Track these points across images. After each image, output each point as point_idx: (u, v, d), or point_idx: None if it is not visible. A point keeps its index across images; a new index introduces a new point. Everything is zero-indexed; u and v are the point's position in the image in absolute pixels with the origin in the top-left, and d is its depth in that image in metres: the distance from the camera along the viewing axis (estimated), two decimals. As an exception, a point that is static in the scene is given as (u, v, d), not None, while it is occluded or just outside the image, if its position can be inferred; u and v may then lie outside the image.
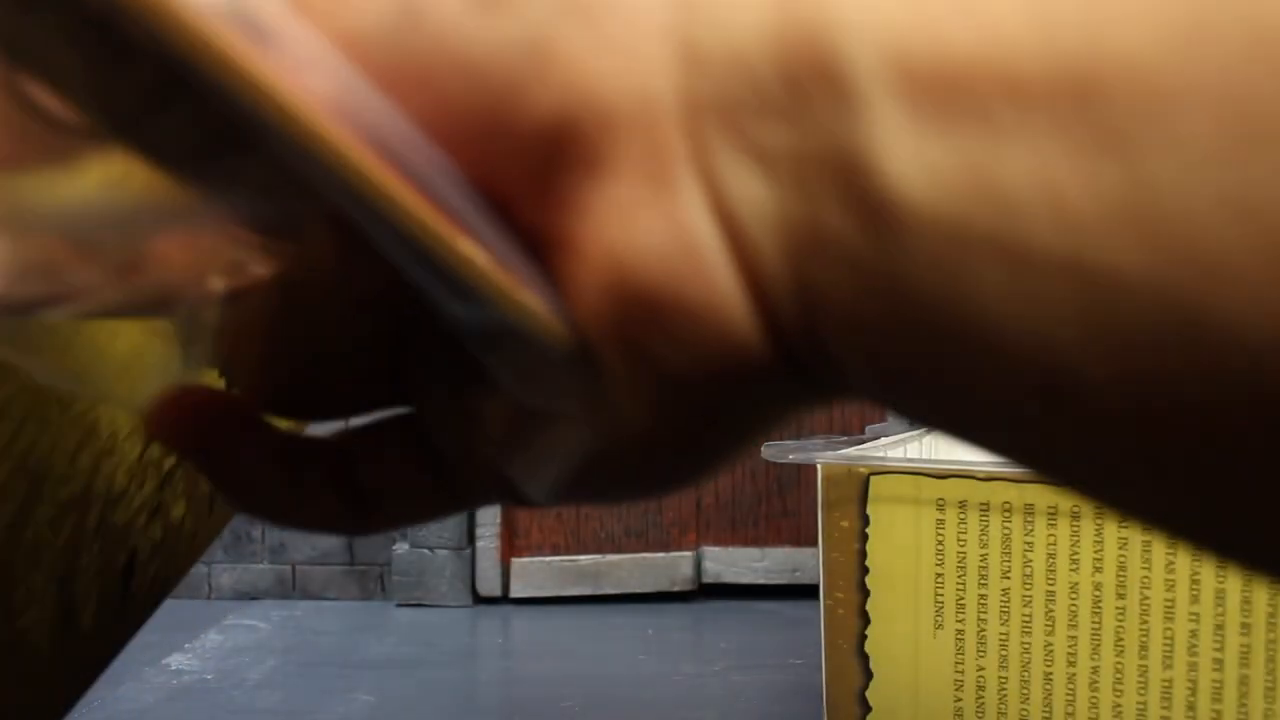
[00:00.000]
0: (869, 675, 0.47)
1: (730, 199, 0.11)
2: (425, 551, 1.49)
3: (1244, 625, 0.34)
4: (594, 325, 0.12)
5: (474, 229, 0.11)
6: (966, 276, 0.09)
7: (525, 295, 0.11)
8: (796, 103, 0.10)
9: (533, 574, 1.49)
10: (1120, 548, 0.30)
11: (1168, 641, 0.36)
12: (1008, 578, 0.42)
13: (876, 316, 0.10)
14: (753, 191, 0.11)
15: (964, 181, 0.09)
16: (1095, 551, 0.34)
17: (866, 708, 0.49)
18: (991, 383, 0.10)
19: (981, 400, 0.10)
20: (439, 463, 0.15)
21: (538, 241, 0.12)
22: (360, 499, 0.16)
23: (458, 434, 0.15)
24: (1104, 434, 0.10)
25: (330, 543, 1.55)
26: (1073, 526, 0.30)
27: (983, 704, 0.42)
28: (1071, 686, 0.39)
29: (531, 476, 0.14)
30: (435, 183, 0.11)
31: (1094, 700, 0.38)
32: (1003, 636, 0.42)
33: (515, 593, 1.49)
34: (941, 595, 0.46)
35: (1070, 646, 0.39)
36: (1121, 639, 0.36)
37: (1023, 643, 0.41)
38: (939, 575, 0.46)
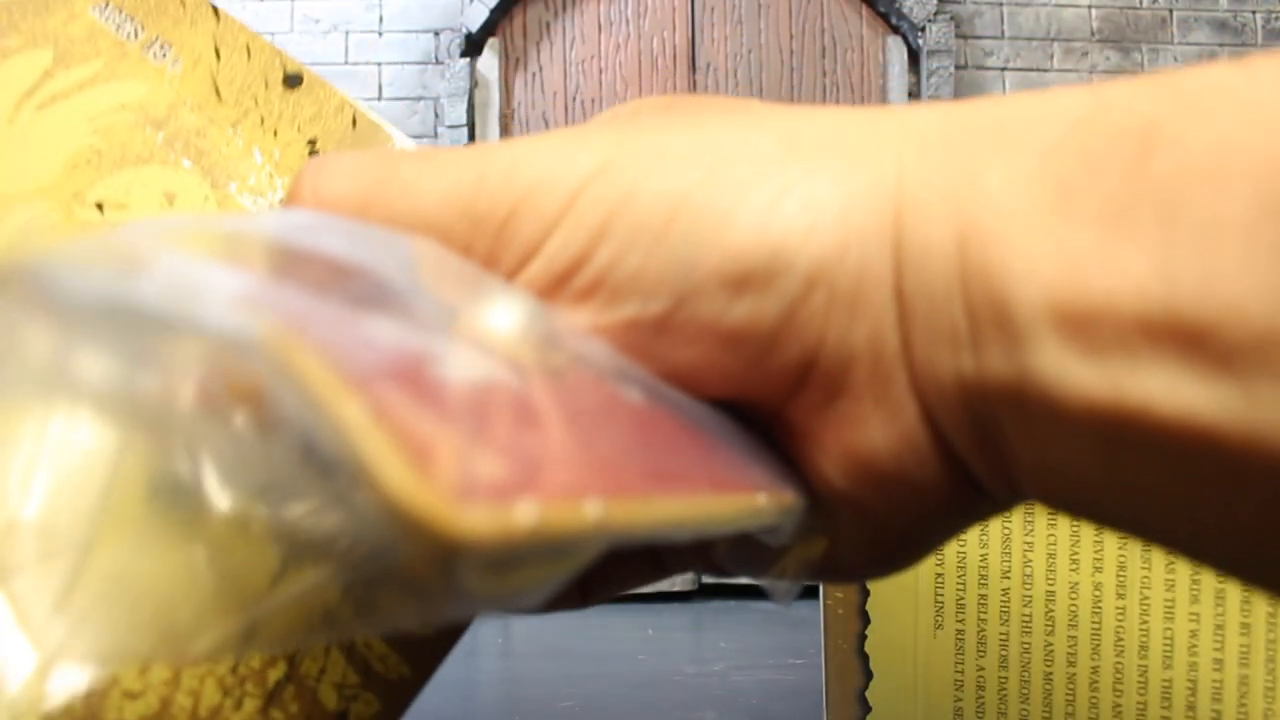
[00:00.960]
0: (869, 675, 0.47)
1: (935, 410, 0.14)
2: (425, 551, 1.49)
3: (1244, 625, 0.34)
4: (830, 494, 0.15)
5: (752, 468, 0.15)
6: (1114, 463, 0.12)
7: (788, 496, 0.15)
8: (980, 337, 0.13)
9: (533, 574, 1.50)
10: (1120, 548, 0.29)
11: (1168, 641, 0.36)
12: (1008, 578, 0.42)
13: (1047, 475, 0.13)
14: (956, 412, 0.14)
15: (1109, 394, 0.12)
16: (1095, 551, 0.34)
17: (866, 708, 0.48)
18: (1146, 526, 0.13)
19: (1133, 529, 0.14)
20: (657, 554, 0.19)
21: (790, 432, 0.15)
22: (587, 583, 0.19)
23: (688, 558, 0.19)
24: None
25: (330, 542, 1.55)
26: (1073, 527, 0.30)
27: (983, 704, 0.42)
28: (1071, 686, 0.39)
29: (742, 573, 0.18)
30: (720, 437, 0.14)
31: (1094, 700, 0.38)
32: (1003, 636, 0.42)
33: (515, 593, 1.49)
34: (941, 595, 0.46)
35: (1070, 646, 0.39)
36: (1121, 639, 0.36)
37: (1023, 643, 0.41)
38: (939, 575, 0.46)
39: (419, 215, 0.15)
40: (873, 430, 0.14)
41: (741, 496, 0.13)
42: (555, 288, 0.14)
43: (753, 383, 0.15)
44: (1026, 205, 0.12)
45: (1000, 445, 0.14)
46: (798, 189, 0.14)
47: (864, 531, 0.16)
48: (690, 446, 0.14)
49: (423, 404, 0.09)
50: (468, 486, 0.08)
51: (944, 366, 0.13)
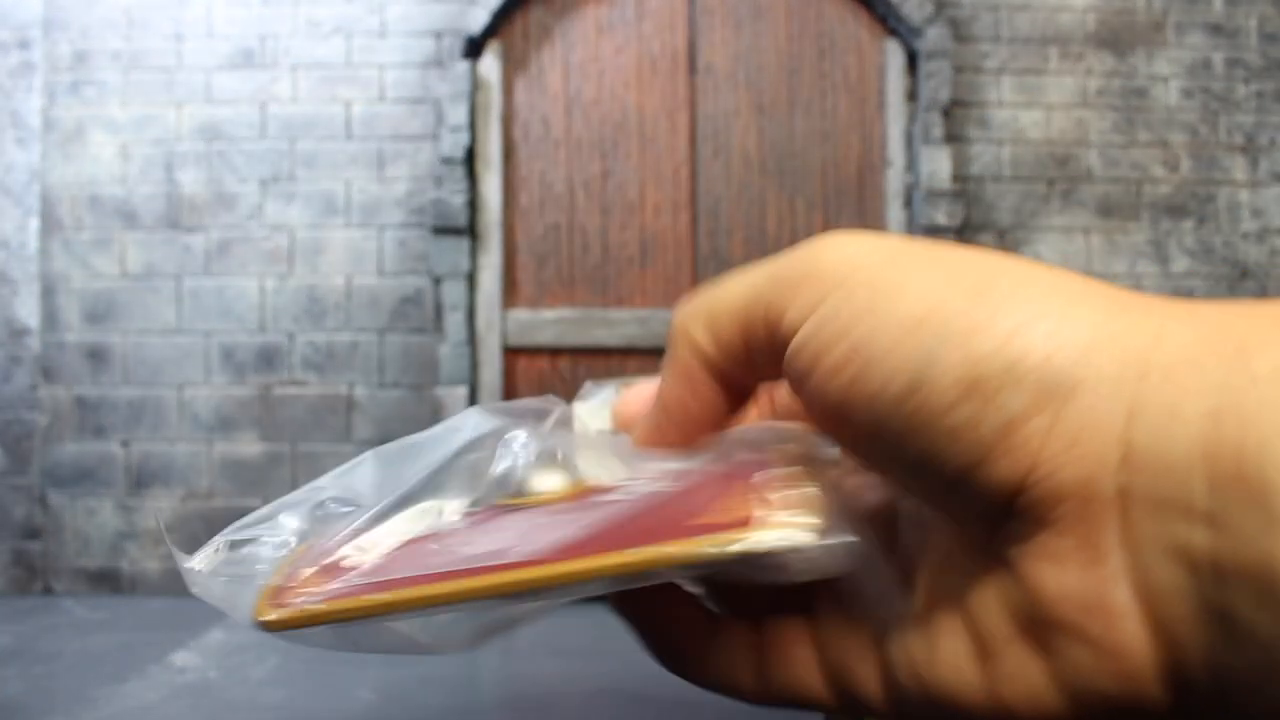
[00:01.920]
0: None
1: (1151, 578, 0.13)
2: (426, 551, 1.49)
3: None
4: (1007, 631, 0.15)
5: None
6: None
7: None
8: (1220, 511, 0.13)
9: (533, 573, 1.50)
10: None
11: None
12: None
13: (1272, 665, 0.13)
14: (1174, 579, 0.13)
15: None
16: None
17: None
18: None
19: None
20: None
21: (983, 554, 0.16)
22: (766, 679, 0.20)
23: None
24: None
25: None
26: None
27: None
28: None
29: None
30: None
31: None
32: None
33: (516, 592, 1.50)
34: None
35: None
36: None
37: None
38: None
39: (752, 285, 0.19)
40: (1069, 571, 0.14)
41: (645, 551, 0.18)
42: (821, 352, 0.16)
43: (963, 495, 0.15)
44: None
45: (1229, 623, 0.13)
46: (1051, 318, 0.15)
47: (1031, 696, 0.15)
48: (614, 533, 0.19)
49: (297, 574, 0.21)
50: (274, 604, 0.20)
51: (1170, 531, 0.13)
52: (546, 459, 0.22)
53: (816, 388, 0.17)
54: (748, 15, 2.11)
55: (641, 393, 0.22)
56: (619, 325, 2.06)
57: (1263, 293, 2.11)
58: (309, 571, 0.20)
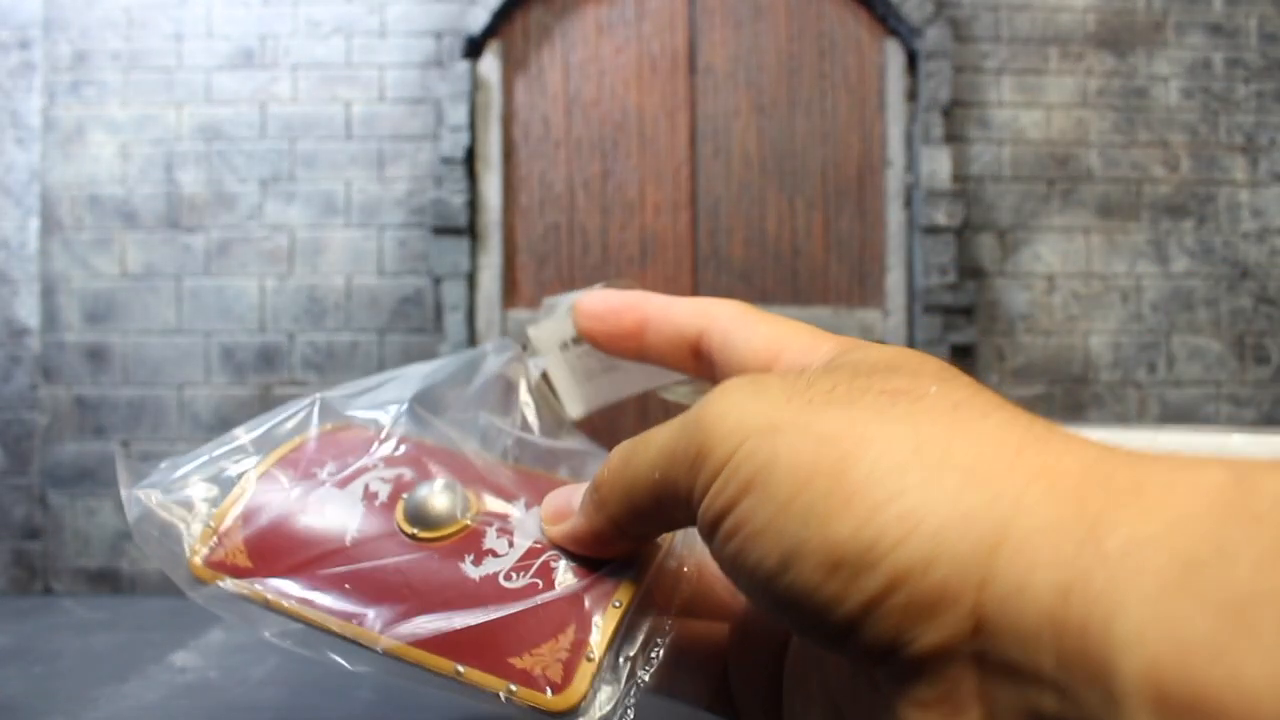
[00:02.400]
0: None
1: None
2: (426, 551, 1.50)
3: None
4: None
5: None
6: None
7: None
8: (1066, 683, 0.13)
9: (533, 573, 1.50)
10: None
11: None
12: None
13: None
14: None
15: None
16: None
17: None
18: None
19: None
20: None
21: (874, 689, 0.17)
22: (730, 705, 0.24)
23: None
24: None
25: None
26: None
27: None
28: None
29: None
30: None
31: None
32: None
33: (516, 592, 1.50)
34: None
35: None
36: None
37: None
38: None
39: (652, 464, 0.20)
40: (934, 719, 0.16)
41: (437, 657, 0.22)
42: (718, 518, 0.18)
43: (845, 650, 0.17)
44: (1143, 573, 0.13)
45: None
46: (906, 496, 0.15)
47: None
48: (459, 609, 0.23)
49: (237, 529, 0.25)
50: (207, 562, 0.24)
51: (1022, 694, 0.14)
52: (446, 489, 0.26)
53: (714, 553, 0.19)
54: (748, 15, 2.11)
55: (569, 495, 0.25)
56: (619, 325, 2.06)
57: (1263, 292, 2.11)
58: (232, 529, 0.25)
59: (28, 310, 2.05)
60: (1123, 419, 2.06)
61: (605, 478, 0.22)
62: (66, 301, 2.05)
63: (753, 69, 2.11)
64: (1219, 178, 2.11)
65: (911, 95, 2.10)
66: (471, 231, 2.06)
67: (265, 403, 2.03)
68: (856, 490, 0.16)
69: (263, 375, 2.03)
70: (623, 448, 0.22)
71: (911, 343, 2.06)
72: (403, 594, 0.23)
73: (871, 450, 0.16)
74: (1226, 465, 0.14)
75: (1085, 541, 0.13)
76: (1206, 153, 2.11)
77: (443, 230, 2.02)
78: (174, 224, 2.06)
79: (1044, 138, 2.08)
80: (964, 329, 2.03)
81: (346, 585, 0.23)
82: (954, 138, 2.07)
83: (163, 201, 2.06)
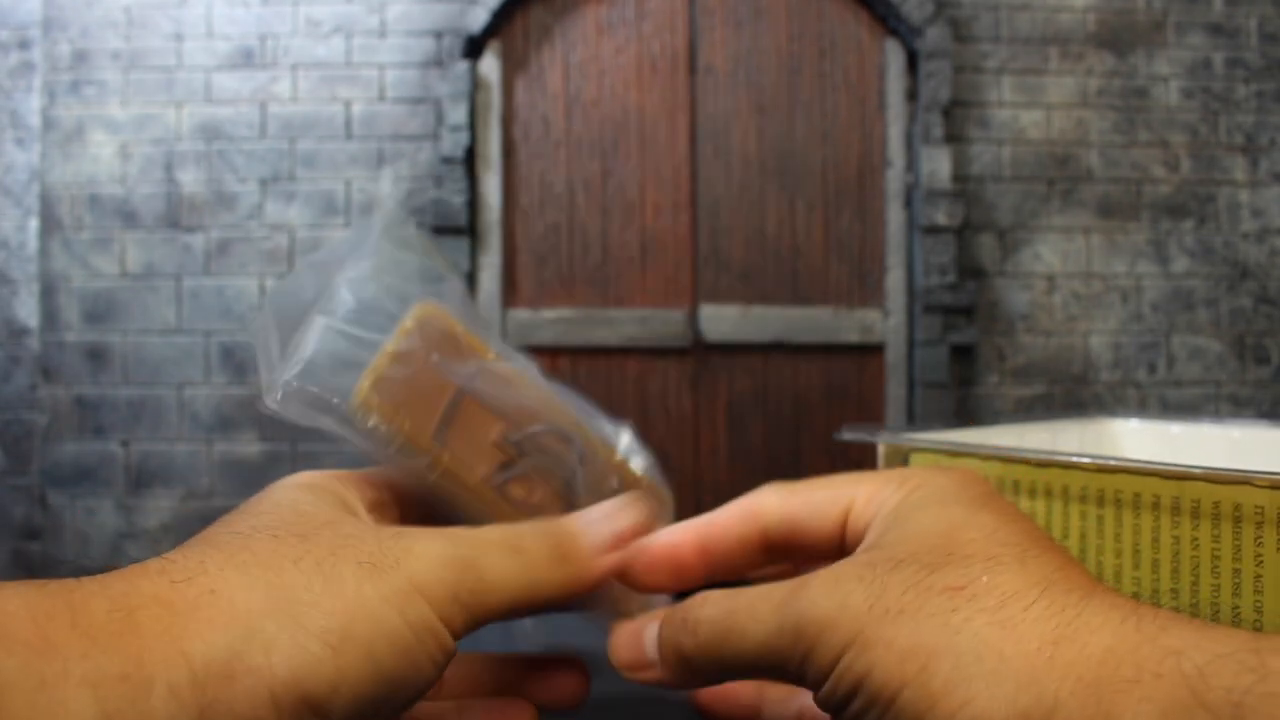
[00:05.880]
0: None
1: None
2: (426, 551, 1.49)
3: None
4: None
5: None
6: None
7: None
8: None
9: (533, 573, 1.50)
10: (1135, 533, 0.30)
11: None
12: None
13: None
14: None
15: None
16: (1115, 537, 0.35)
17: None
18: None
19: None
20: None
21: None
22: None
23: None
24: None
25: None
26: (1097, 511, 0.31)
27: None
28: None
29: None
30: None
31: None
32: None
33: (516, 592, 1.50)
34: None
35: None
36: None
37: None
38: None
39: (754, 655, 0.24)
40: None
41: None
42: (837, 711, 0.22)
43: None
44: None
45: None
46: (976, 704, 0.19)
47: None
48: None
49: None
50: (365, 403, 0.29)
51: None
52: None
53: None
54: (748, 15, 2.11)
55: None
56: (619, 325, 2.06)
57: (1263, 292, 2.11)
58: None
59: (28, 310, 2.04)
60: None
61: (695, 650, 0.25)
62: (66, 301, 2.05)
63: (753, 69, 2.11)
64: (1219, 178, 2.11)
65: (911, 95, 2.10)
66: (471, 231, 2.06)
67: (265, 403, 2.02)
68: (937, 698, 0.19)
69: (263, 375, 2.03)
70: (713, 621, 0.25)
71: (911, 342, 2.06)
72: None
73: (944, 664, 0.20)
74: (1177, 683, 0.17)
75: None
76: (1206, 153, 2.11)
77: (443, 230, 2.02)
78: (174, 224, 2.06)
79: (1044, 138, 2.09)
80: (964, 329, 2.03)
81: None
82: (954, 138, 2.07)
83: (162, 201, 2.06)
